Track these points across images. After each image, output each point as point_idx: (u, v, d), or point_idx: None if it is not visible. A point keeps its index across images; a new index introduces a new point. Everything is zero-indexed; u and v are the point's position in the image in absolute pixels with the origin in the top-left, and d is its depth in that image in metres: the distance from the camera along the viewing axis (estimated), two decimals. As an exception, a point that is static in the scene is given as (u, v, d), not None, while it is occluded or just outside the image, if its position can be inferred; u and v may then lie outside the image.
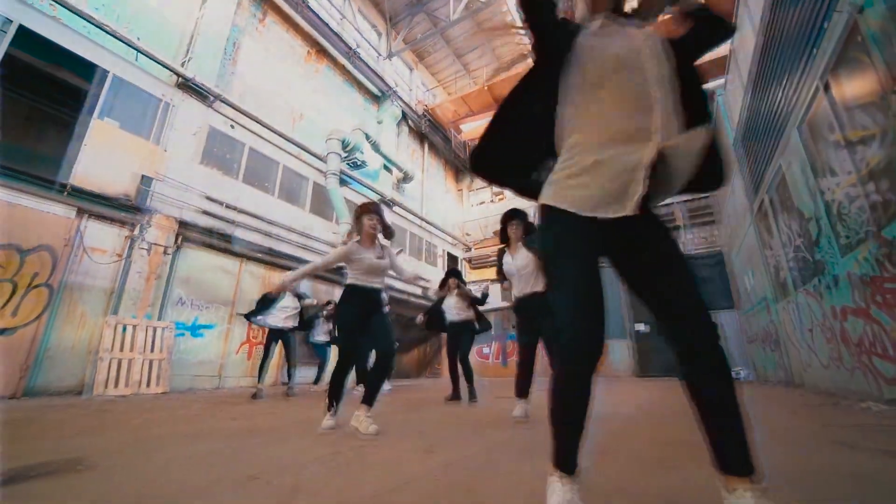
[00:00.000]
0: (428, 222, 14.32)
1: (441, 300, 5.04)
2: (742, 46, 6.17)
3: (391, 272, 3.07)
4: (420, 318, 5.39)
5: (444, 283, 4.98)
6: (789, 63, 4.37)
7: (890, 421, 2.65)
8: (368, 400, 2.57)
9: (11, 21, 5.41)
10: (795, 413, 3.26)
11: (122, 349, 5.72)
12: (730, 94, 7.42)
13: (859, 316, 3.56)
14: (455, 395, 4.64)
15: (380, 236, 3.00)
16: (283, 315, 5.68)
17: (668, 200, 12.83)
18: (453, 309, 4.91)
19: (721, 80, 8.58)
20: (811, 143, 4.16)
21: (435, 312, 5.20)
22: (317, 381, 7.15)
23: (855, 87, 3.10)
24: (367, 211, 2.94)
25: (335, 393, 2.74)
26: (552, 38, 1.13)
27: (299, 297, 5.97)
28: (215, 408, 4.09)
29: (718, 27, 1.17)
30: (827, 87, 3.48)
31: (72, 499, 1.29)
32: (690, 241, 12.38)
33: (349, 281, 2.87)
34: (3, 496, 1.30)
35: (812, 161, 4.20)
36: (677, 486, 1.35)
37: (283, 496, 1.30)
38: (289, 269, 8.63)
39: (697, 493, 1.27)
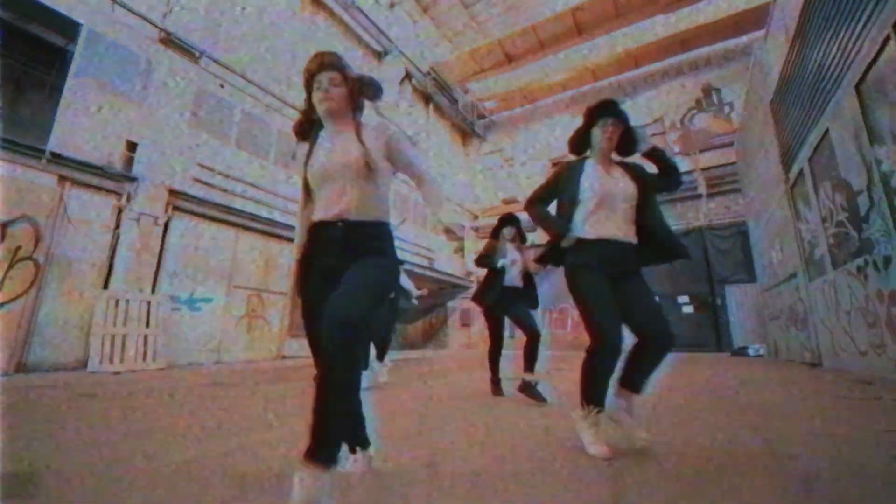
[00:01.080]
0: (433, 189, 13.77)
1: (496, 262, 3.38)
2: (789, -9, 5.42)
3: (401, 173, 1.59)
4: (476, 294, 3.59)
5: (496, 233, 3.54)
6: (849, 10, 3.75)
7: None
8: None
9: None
10: (838, 406, 2.96)
11: (115, 324, 5.55)
12: (768, 50, 6.68)
13: (913, 303, 3.19)
14: (498, 390, 3.40)
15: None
16: None
17: (688, 168, 12.07)
18: (512, 269, 3.40)
19: (760, 33, 7.76)
20: (870, 104, 3.63)
21: (494, 278, 3.41)
22: None
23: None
24: (312, 73, 1.41)
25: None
26: None
27: None
28: (209, 392, 3.90)
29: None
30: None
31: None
32: (712, 212, 11.84)
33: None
34: None
35: (869, 126, 3.69)
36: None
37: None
38: (287, 238, 8.29)
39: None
